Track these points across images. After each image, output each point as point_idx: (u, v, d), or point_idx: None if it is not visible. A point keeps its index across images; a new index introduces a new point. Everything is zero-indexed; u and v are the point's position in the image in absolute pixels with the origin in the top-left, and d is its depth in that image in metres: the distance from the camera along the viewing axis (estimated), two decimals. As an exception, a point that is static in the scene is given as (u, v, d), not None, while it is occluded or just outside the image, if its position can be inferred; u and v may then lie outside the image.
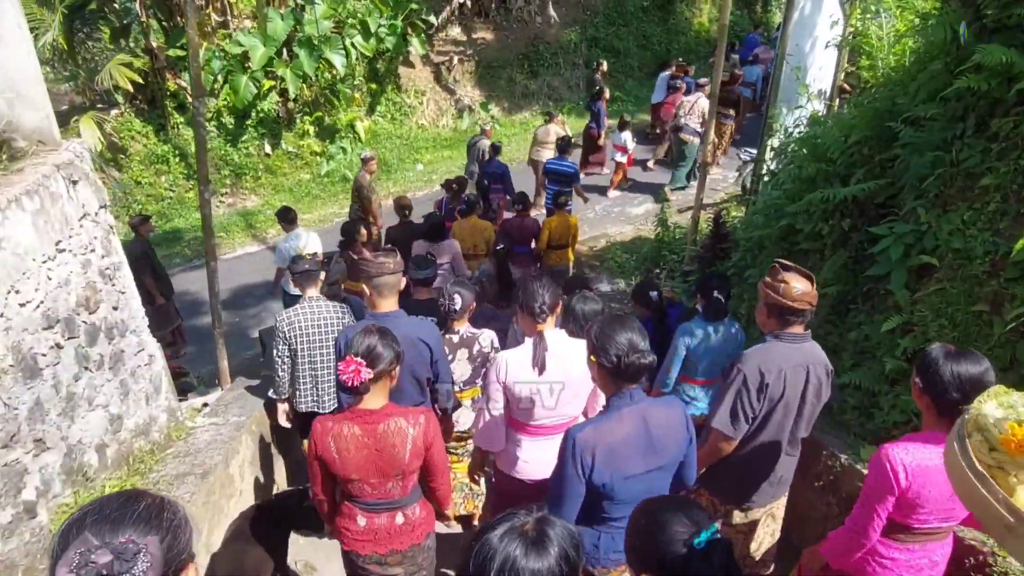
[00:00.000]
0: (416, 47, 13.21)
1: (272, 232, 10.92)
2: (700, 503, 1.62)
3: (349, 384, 2.17)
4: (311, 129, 12.33)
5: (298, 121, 12.38)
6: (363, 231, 6.22)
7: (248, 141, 11.99)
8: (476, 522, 3.41)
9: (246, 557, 2.84)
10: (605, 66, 12.46)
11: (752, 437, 2.48)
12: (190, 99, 11.56)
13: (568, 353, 2.58)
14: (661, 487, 2.15)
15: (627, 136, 10.11)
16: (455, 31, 14.62)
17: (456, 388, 3.34)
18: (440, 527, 2.81)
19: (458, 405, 3.42)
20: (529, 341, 2.64)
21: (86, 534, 1.01)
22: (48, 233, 2.50)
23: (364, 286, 3.01)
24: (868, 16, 4.56)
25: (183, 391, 5.84)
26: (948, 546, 2.21)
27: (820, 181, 3.79)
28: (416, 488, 2.49)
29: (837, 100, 6.34)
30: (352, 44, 12.13)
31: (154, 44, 10.94)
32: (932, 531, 2.10)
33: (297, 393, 3.74)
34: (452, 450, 3.53)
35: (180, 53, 11.42)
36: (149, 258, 6.93)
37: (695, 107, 9.51)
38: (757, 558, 2.82)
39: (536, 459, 2.70)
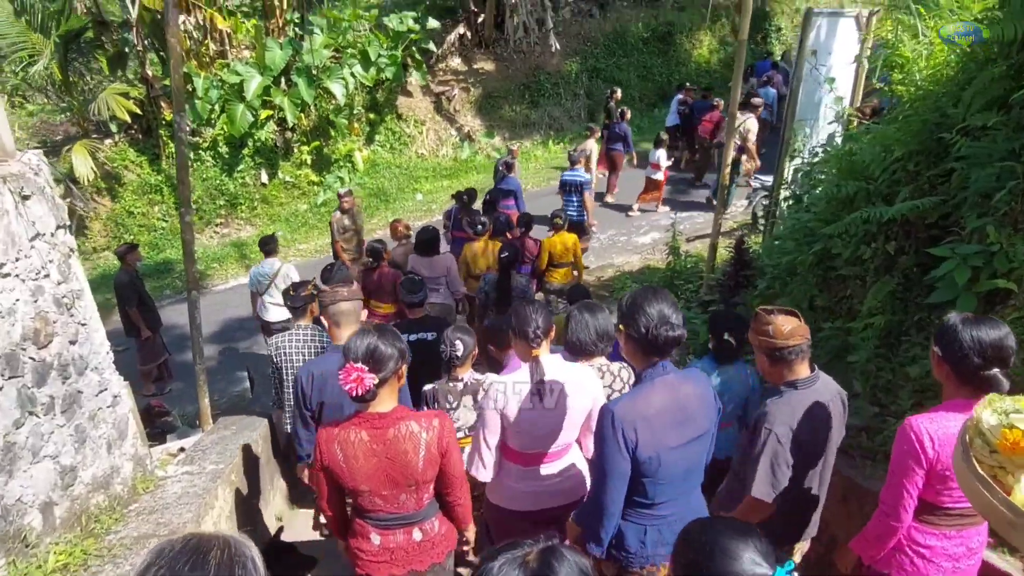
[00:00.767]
0: (416, 77, 13.09)
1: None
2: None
3: (354, 394, 2.01)
4: (308, 159, 12.10)
5: (296, 151, 12.16)
6: (388, 251, 5.99)
7: (244, 171, 11.75)
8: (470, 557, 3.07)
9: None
10: (619, 93, 12.40)
11: (786, 489, 2.35)
12: (186, 128, 11.36)
13: (566, 378, 2.50)
14: (699, 461, 2.15)
15: (662, 154, 9.99)
16: (455, 61, 14.55)
17: (461, 434, 3.20)
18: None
19: None
20: (525, 367, 2.56)
21: None
22: (-12, 255, 2.14)
23: (323, 319, 2.98)
24: (899, 29, 4.30)
25: (164, 432, 5.42)
26: (984, 533, 2.14)
27: (859, 201, 3.46)
28: (432, 501, 2.30)
29: (855, 124, 6.07)
30: (352, 73, 11.99)
31: (150, 73, 10.76)
32: (965, 513, 2.03)
33: (285, 417, 3.77)
34: None
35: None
36: (136, 288, 6.57)
37: (741, 126, 9.36)
38: None
39: (530, 489, 2.59)
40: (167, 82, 11.22)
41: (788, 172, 5.87)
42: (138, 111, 10.54)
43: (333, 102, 11.94)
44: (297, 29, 12.47)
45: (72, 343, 2.64)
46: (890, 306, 3.28)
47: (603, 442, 2.00)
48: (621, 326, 2.07)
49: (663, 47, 16.26)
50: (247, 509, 3.55)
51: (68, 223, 2.67)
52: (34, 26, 10.48)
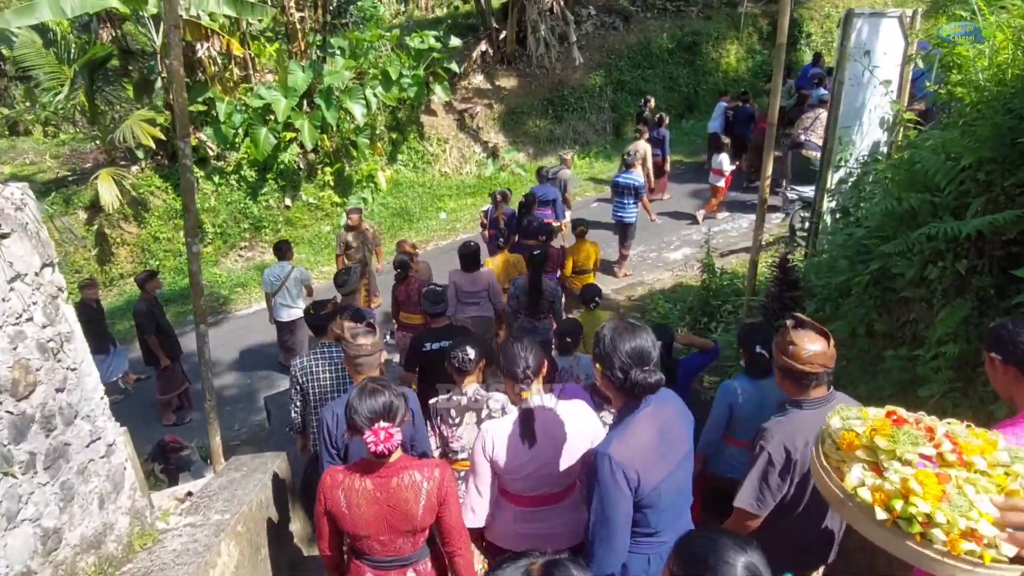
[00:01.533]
0: (439, 95, 12.99)
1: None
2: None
3: (385, 452, 2.10)
4: (331, 180, 12.04)
5: (318, 173, 12.11)
6: (416, 263, 6.16)
7: (268, 194, 11.72)
8: None
9: None
10: (652, 102, 12.33)
11: (789, 509, 2.31)
12: (211, 153, 11.40)
13: (560, 420, 2.42)
14: (688, 480, 2.18)
15: (724, 159, 9.77)
16: (478, 79, 14.43)
17: (464, 456, 3.18)
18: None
19: None
20: (514, 412, 2.50)
21: None
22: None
23: (346, 364, 3.06)
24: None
25: (179, 468, 5.24)
26: None
27: (924, 215, 3.10)
28: (425, 544, 2.35)
29: (900, 131, 5.68)
30: (374, 94, 11.92)
31: (173, 100, 10.82)
32: None
33: (311, 437, 3.92)
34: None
35: (201, 108, 11.31)
36: (155, 316, 6.46)
37: (817, 122, 9.01)
38: None
39: (528, 531, 2.50)
40: (191, 107, 11.29)
41: (832, 182, 5.50)
42: (162, 137, 10.58)
43: (354, 123, 11.87)
44: (319, 52, 12.49)
45: (59, 391, 2.43)
46: (964, 333, 2.90)
47: (604, 489, 1.93)
48: (597, 365, 2.04)
49: (689, 57, 15.92)
50: (255, 562, 3.30)
51: (54, 260, 2.47)
52: (62, 58, 10.65)
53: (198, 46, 10.92)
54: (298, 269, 7.00)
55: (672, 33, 15.93)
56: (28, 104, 13.71)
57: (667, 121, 11.16)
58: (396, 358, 6.17)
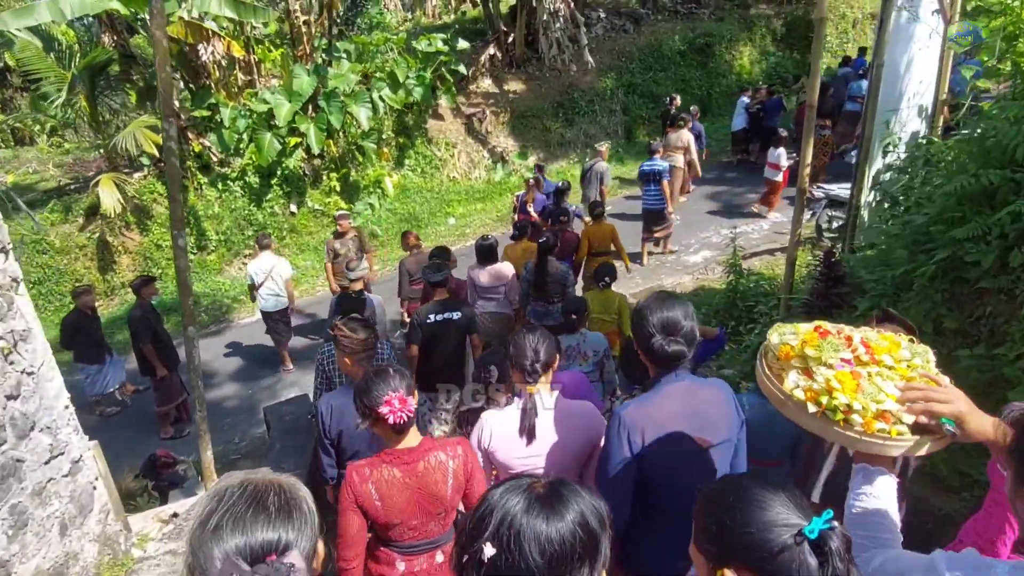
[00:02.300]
0: (446, 99, 12.71)
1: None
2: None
3: (402, 421, 2.09)
4: (337, 186, 11.75)
5: (324, 178, 11.83)
6: (453, 258, 5.97)
7: (273, 200, 11.45)
8: None
9: None
10: (679, 100, 12.11)
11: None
12: (214, 159, 11.15)
13: (562, 419, 2.34)
14: (719, 470, 2.01)
15: (781, 153, 9.42)
16: (486, 83, 14.16)
17: None
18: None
19: None
20: (518, 402, 2.41)
21: (236, 561, 0.97)
22: None
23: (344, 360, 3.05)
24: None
25: (171, 484, 4.88)
26: None
27: (1005, 193, 2.72)
28: (452, 525, 2.35)
29: (942, 119, 5.30)
30: (380, 97, 11.65)
31: (176, 105, 10.57)
32: None
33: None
34: None
35: (205, 114, 11.08)
36: (151, 324, 6.14)
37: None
38: None
39: None
40: (195, 113, 11.06)
41: (870, 174, 5.12)
42: (161, 142, 10.33)
43: (360, 128, 11.60)
44: (324, 55, 12.25)
45: (11, 398, 2.08)
46: (1056, 328, 2.52)
47: (608, 444, 1.96)
48: (631, 333, 2.07)
49: (701, 59, 15.61)
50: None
51: (8, 246, 2.13)
52: (63, 62, 10.46)
53: (201, 51, 10.70)
54: (281, 260, 7.21)
55: (684, 35, 15.63)
56: (32, 113, 13.52)
57: (698, 114, 10.81)
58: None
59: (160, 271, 10.72)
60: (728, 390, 2.09)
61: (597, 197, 8.47)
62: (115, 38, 10.96)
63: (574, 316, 4.11)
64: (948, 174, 3.15)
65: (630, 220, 9.87)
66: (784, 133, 9.84)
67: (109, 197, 9.86)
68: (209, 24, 10.28)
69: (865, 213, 5.30)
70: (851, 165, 8.48)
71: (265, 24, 11.16)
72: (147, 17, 9.88)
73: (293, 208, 11.60)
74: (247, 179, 11.30)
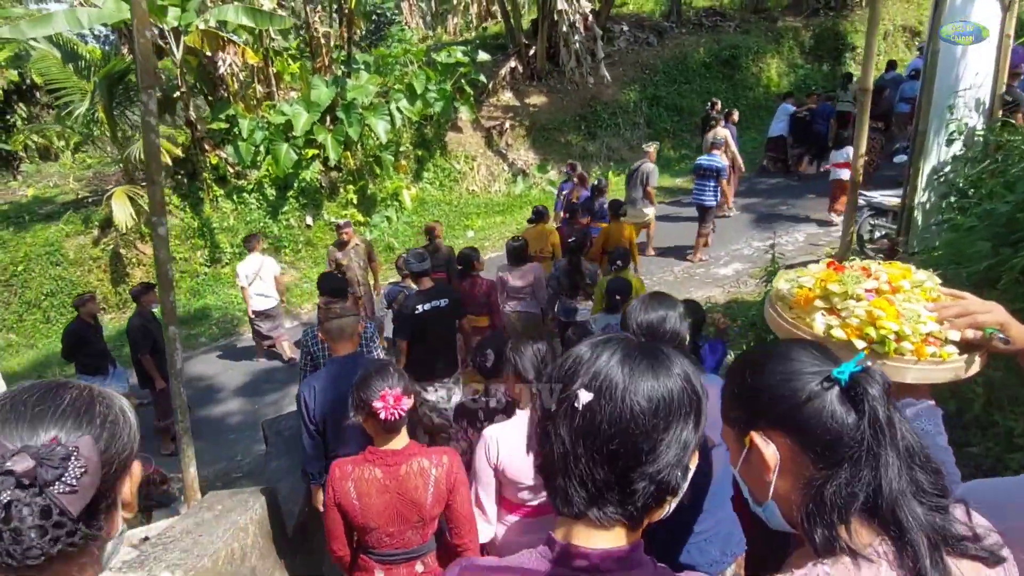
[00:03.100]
0: (465, 112, 12.48)
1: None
2: None
3: (392, 419, 2.04)
4: (354, 198, 11.52)
5: (341, 190, 11.61)
6: (480, 260, 5.79)
7: (289, 212, 11.24)
8: None
9: None
10: (720, 104, 11.65)
11: None
12: (231, 171, 11.00)
13: None
14: (726, 470, 1.71)
15: (849, 151, 8.90)
16: (506, 96, 13.93)
17: None
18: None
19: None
20: (523, 414, 2.33)
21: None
22: None
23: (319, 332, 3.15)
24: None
25: (158, 504, 4.51)
26: None
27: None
28: (433, 537, 2.27)
29: (1000, 112, 4.82)
30: (398, 108, 11.44)
31: (193, 116, 10.46)
32: None
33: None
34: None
35: (223, 126, 10.96)
36: (150, 333, 5.84)
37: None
38: None
39: (532, 544, 1.86)
40: (212, 125, 10.95)
41: (925, 172, 4.65)
42: (180, 154, 10.21)
43: (378, 140, 11.39)
44: (343, 67, 12.13)
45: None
46: None
47: None
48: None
49: (728, 71, 15.23)
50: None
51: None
52: (81, 73, 10.43)
53: (219, 62, 10.61)
54: (268, 259, 7.42)
55: (709, 47, 15.30)
56: (53, 124, 13.59)
57: (736, 117, 10.48)
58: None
59: (173, 283, 10.52)
60: (719, 383, 1.94)
61: (643, 198, 8.44)
62: (132, 50, 10.96)
63: (618, 296, 4.29)
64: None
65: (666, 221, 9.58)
66: (847, 134, 9.51)
67: (121, 210, 9.72)
68: (227, 34, 10.18)
69: (919, 215, 4.82)
70: (894, 173, 7.98)
71: (284, 32, 11.03)
72: (165, 28, 9.83)
73: (309, 220, 11.38)
74: (263, 191, 11.12)
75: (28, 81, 14.28)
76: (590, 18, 13.53)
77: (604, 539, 0.89)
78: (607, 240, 6.83)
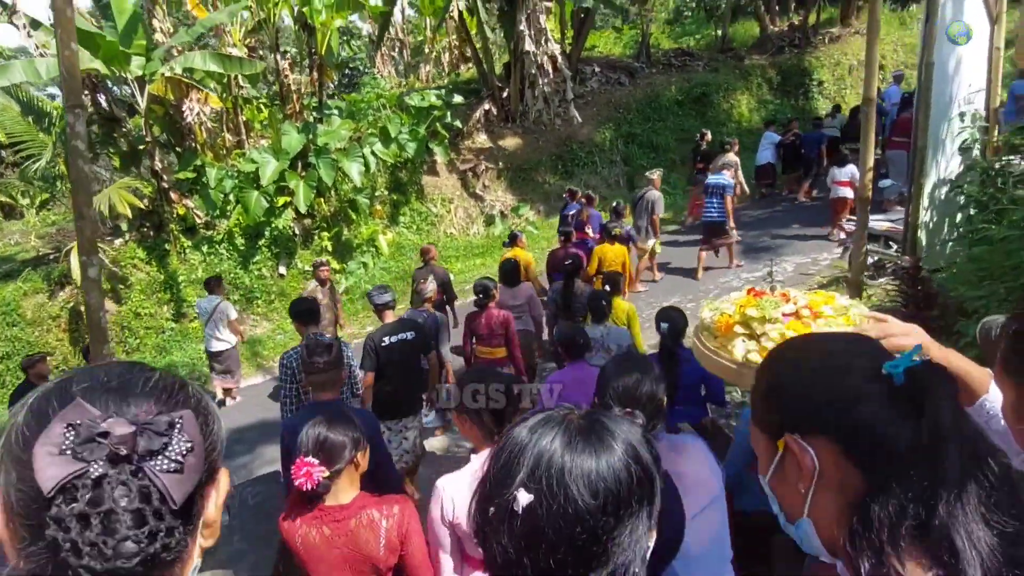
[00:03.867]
0: (440, 154, 12.31)
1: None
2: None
3: (304, 489, 2.00)
4: (329, 245, 11.16)
5: (315, 238, 11.26)
6: (497, 290, 5.70)
7: (260, 262, 10.83)
8: None
9: None
10: (709, 135, 11.86)
11: None
12: (199, 221, 10.60)
13: None
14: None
15: (853, 170, 9.02)
16: (481, 138, 13.84)
17: None
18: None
19: (399, 488, 3.49)
20: (476, 459, 2.15)
21: (79, 401, 0.63)
22: None
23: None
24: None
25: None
26: None
27: None
28: None
29: (997, 127, 4.68)
30: (372, 152, 11.23)
31: (159, 167, 10.10)
32: None
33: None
34: None
35: (190, 175, 10.62)
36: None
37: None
38: None
39: None
40: (180, 175, 10.60)
41: (927, 190, 4.46)
42: (141, 206, 9.82)
43: (352, 183, 11.13)
44: (315, 114, 11.94)
45: None
46: None
47: None
48: (596, 397, 2.04)
49: (700, 108, 15.40)
50: None
51: None
52: (43, 127, 10.08)
53: (186, 111, 10.33)
54: (225, 302, 7.42)
55: (680, 86, 15.49)
56: (19, 183, 13.12)
57: (736, 147, 10.38)
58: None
59: (138, 341, 9.97)
60: (698, 442, 2.07)
61: (648, 226, 8.64)
62: (96, 100, 10.64)
63: (604, 301, 4.47)
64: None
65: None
66: (847, 151, 9.74)
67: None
68: (190, 80, 9.93)
69: (922, 234, 4.60)
70: (878, 197, 7.82)
71: (253, 80, 10.82)
72: (129, 77, 9.56)
73: (282, 270, 10.97)
74: (233, 241, 10.72)
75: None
76: (559, 59, 13.61)
77: None
78: (601, 261, 7.04)
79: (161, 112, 10.59)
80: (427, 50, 21.47)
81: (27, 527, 0.60)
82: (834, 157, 9.90)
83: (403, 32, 22.64)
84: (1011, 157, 4.05)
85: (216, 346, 7.42)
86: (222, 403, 7.84)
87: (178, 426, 0.65)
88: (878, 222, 7.02)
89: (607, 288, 5.23)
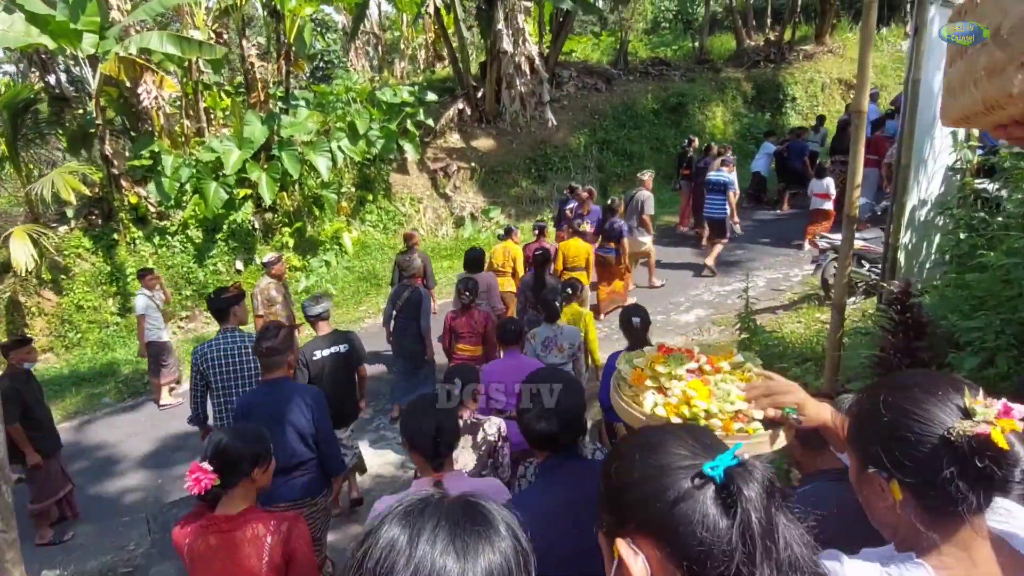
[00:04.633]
0: (410, 152, 11.94)
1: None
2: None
3: (192, 492, 2.00)
4: (291, 241, 10.69)
5: (276, 233, 10.78)
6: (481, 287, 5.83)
7: (217, 256, 10.32)
8: None
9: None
10: (696, 142, 11.84)
11: None
12: (152, 211, 10.05)
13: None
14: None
15: (829, 182, 9.27)
16: (454, 137, 13.51)
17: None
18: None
19: (342, 471, 3.60)
20: (415, 484, 2.21)
21: None
22: None
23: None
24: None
25: None
26: None
27: None
28: None
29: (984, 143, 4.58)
30: (339, 147, 10.82)
31: (110, 151, 9.53)
32: None
33: (220, 421, 4.00)
34: None
35: (145, 162, 10.06)
36: (21, 398, 4.84)
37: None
38: None
39: None
40: (134, 161, 10.05)
41: (908, 209, 4.30)
42: (87, 192, 9.26)
43: (319, 179, 10.69)
44: (281, 104, 11.47)
45: None
46: None
47: None
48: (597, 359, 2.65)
49: (675, 118, 15.33)
50: None
51: None
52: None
53: (142, 94, 9.79)
54: (158, 293, 7.21)
55: (656, 94, 15.40)
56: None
57: (729, 152, 10.35)
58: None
59: (79, 336, 9.38)
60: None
61: (639, 226, 8.51)
62: (45, 78, 10.03)
63: (557, 302, 4.59)
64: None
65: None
66: (828, 164, 9.97)
67: (21, 252, 8.63)
68: (145, 61, 9.40)
69: (902, 256, 4.44)
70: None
71: (215, 66, 10.32)
72: (80, 56, 9.01)
73: (239, 266, 10.46)
74: (189, 233, 10.19)
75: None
76: (536, 60, 13.38)
77: None
78: (565, 257, 7.13)
79: (115, 94, 10.01)
80: (403, 46, 21.08)
81: None
82: (815, 168, 9.99)
83: (379, 27, 22.20)
84: (983, 181, 3.92)
85: (158, 336, 7.11)
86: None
87: None
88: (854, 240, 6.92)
89: (568, 291, 5.20)
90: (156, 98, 10.07)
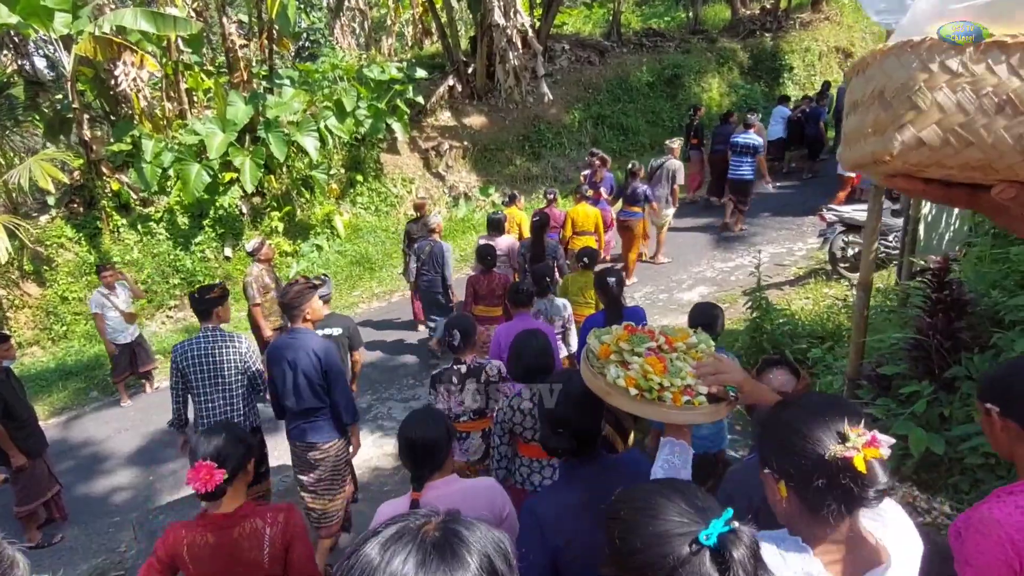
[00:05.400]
0: (400, 131, 11.59)
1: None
2: None
3: (203, 491, 2.02)
4: (280, 226, 10.40)
5: (265, 218, 10.48)
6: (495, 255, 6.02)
7: (203, 243, 10.02)
8: None
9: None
10: (703, 111, 11.77)
11: None
12: (134, 198, 9.72)
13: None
14: None
15: None
16: (445, 115, 13.15)
17: (466, 418, 3.37)
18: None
19: (355, 420, 3.81)
20: (406, 496, 2.19)
21: None
22: None
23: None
24: None
25: None
26: None
27: None
28: None
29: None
30: (326, 127, 10.47)
31: (88, 136, 9.17)
32: None
33: (201, 422, 3.91)
34: None
35: (126, 148, 9.71)
36: (0, 396, 4.60)
37: None
38: None
39: None
40: (113, 146, 9.69)
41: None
42: (66, 180, 8.91)
43: (307, 159, 10.37)
44: (264, 83, 11.08)
45: None
46: None
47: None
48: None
49: (671, 91, 14.99)
50: None
51: None
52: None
53: (120, 75, 9.40)
54: (120, 290, 6.98)
55: (651, 67, 15.03)
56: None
57: (735, 117, 10.30)
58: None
59: (65, 329, 9.12)
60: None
61: (668, 195, 8.43)
62: (19, 61, 9.61)
63: (547, 279, 4.73)
64: None
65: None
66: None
67: (-1, 242, 8.32)
68: (122, 39, 8.99)
69: (921, 228, 4.23)
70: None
71: (196, 45, 9.90)
72: (53, 36, 8.61)
73: (228, 252, 10.18)
74: (174, 220, 9.88)
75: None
76: (529, 33, 12.98)
77: None
78: (573, 222, 7.10)
79: (91, 75, 9.63)
80: (389, 23, 20.50)
81: None
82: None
83: (364, 3, 21.58)
84: None
85: (124, 338, 6.99)
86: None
87: None
88: (860, 212, 6.70)
89: (586, 260, 5.31)
90: (135, 80, 9.67)
